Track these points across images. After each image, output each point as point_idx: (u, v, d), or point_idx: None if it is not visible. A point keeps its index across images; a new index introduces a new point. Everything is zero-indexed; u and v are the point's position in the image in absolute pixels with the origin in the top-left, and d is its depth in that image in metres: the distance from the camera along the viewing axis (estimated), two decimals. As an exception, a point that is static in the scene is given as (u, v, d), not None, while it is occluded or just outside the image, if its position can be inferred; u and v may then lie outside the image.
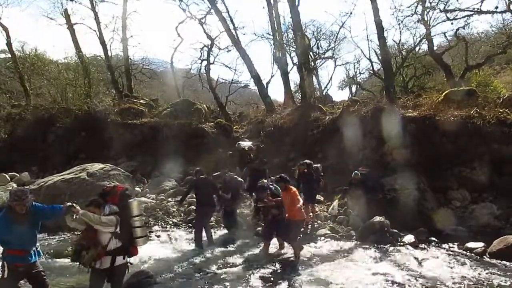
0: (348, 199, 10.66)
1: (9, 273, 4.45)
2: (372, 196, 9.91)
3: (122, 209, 4.71)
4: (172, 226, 10.40)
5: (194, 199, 9.42)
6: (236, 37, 19.83)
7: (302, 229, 8.37)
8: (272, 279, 6.50)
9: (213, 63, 23.53)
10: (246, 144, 14.03)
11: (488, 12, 17.52)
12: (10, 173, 14.84)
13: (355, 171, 10.36)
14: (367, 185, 10.04)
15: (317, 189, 10.40)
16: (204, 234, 8.50)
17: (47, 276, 4.80)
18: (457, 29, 18.92)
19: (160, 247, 8.48)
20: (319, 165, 10.77)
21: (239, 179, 9.90)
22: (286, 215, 7.41)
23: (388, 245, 8.44)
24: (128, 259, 4.83)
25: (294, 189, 7.63)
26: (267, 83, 22.54)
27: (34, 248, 4.60)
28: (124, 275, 4.93)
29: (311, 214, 10.18)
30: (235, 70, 30.81)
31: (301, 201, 7.50)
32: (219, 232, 9.61)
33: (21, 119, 18.43)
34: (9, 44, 23.28)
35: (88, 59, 22.06)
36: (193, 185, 8.95)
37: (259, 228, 9.20)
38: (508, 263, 7.23)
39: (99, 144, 16.31)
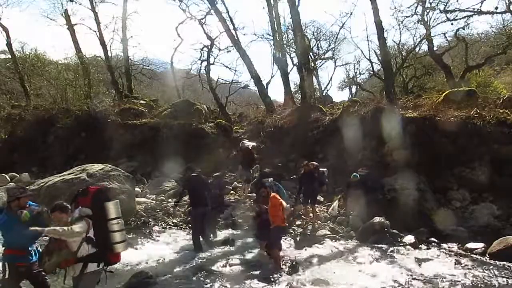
0: (347, 201, 10.65)
1: (10, 273, 4.45)
2: (372, 196, 9.91)
3: (96, 211, 4.27)
4: (172, 227, 10.40)
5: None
6: (236, 38, 19.82)
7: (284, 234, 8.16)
8: (271, 279, 6.50)
9: (213, 63, 23.54)
10: (250, 143, 14.14)
11: (488, 12, 17.56)
12: (10, 174, 14.88)
13: (354, 173, 10.36)
14: (367, 185, 10.04)
15: (318, 190, 10.40)
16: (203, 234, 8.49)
17: (47, 276, 4.77)
18: (457, 30, 18.99)
19: (160, 248, 8.49)
20: (325, 169, 10.76)
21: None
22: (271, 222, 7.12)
23: (388, 246, 8.42)
24: (106, 267, 4.39)
25: (273, 194, 7.38)
26: (267, 84, 22.62)
27: (34, 248, 4.60)
28: (93, 286, 4.37)
29: (311, 214, 10.19)
30: (235, 70, 30.99)
31: (284, 205, 7.17)
32: (220, 233, 9.60)
33: (21, 120, 18.46)
34: (9, 44, 23.37)
35: (88, 60, 22.11)
36: (185, 184, 8.81)
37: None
38: (508, 264, 7.21)
39: (99, 145, 16.29)
